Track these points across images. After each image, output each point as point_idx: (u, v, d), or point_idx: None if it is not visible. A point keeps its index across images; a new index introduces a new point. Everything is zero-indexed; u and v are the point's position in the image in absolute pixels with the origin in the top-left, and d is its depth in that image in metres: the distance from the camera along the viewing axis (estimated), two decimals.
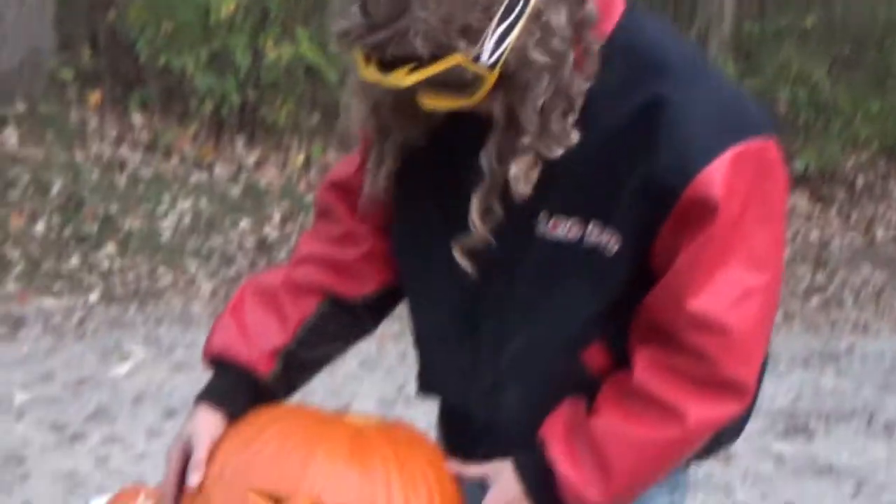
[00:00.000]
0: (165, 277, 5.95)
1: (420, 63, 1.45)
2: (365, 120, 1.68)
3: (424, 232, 1.76)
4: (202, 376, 3.66)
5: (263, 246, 6.31)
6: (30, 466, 4.07)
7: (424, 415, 4.26)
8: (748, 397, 1.63)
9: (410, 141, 1.68)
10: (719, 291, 1.57)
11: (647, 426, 1.62)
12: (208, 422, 1.77)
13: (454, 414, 1.93)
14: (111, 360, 5.06)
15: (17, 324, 5.36)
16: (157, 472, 4.03)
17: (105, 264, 5.99)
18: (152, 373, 4.95)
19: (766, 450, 4.76)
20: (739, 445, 1.72)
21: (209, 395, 1.80)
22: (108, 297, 5.72)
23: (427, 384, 1.91)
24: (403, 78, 1.47)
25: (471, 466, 1.76)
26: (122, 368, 4.97)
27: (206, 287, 5.93)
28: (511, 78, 1.50)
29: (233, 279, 6.01)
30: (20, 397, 4.59)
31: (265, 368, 1.81)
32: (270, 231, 6.44)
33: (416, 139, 1.68)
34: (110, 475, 4.03)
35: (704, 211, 1.53)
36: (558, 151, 1.54)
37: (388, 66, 1.47)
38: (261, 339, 1.80)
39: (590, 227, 1.60)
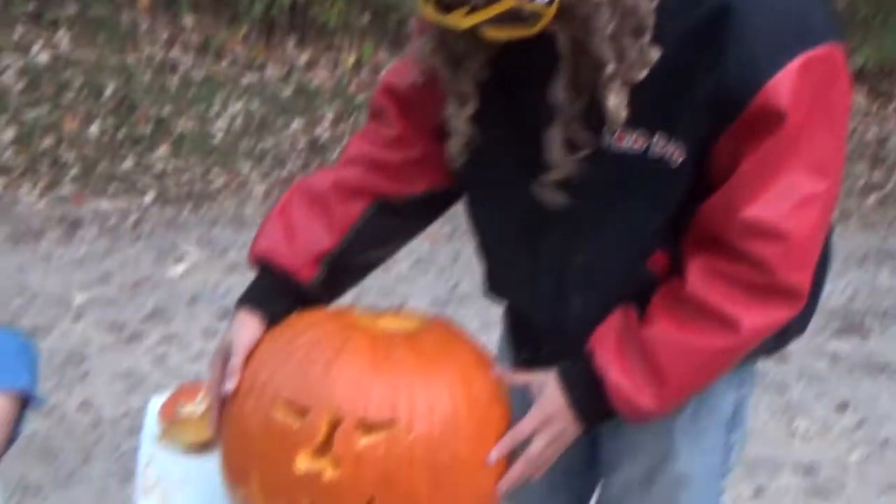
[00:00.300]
0: (218, 179, 5.97)
1: (476, 6, 1.45)
2: (434, 52, 1.67)
3: (490, 147, 1.75)
4: None
5: (315, 147, 6.29)
6: (89, 366, 4.14)
7: (477, 314, 4.29)
8: (801, 302, 1.64)
9: (481, 74, 1.67)
10: (779, 198, 1.56)
11: (701, 334, 1.63)
12: (247, 327, 1.79)
13: (519, 315, 1.94)
14: (166, 261, 5.11)
15: (73, 226, 5.41)
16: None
17: (159, 166, 6.01)
18: (207, 273, 4.99)
19: (820, 349, 4.74)
20: (794, 344, 1.71)
21: (250, 299, 1.83)
22: (162, 199, 5.75)
23: (492, 288, 1.93)
24: (461, 20, 1.46)
25: (516, 374, 1.76)
26: (177, 269, 5.02)
27: (258, 189, 5.94)
28: (571, 11, 1.48)
29: (285, 180, 6.01)
30: (79, 298, 4.66)
31: (308, 274, 1.83)
32: (322, 132, 6.42)
33: (485, 69, 1.66)
34: (168, 374, 4.09)
35: (770, 120, 1.52)
36: (643, 74, 1.52)
37: (445, 7, 1.47)
38: (306, 244, 1.83)
39: (655, 138, 1.59)
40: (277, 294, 1.84)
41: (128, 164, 6.01)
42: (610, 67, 1.51)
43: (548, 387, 1.72)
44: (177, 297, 4.75)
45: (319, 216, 1.84)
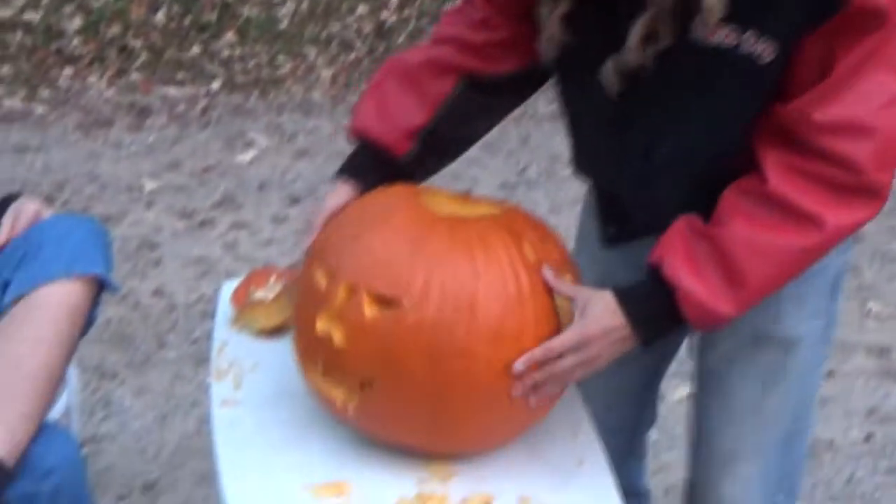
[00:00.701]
0: (285, 65, 5.95)
1: None
2: None
3: (580, 41, 1.73)
4: (324, 163, 3.70)
5: (381, 31, 6.24)
6: (162, 252, 4.19)
7: (546, 197, 4.28)
8: (883, 201, 1.62)
9: None
10: (869, 96, 1.55)
11: (784, 234, 1.61)
12: (337, 193, 1.92)
13: (605, 192, 1.93)
14: (235, 147, 5.13)
15: (142, 113, 5.44)
16: (283, 257, 4.18)
17: (225, 52, 6.01)
18: (275, 160, 5.01)
19: (894, 230, 4.67)
20: (869, 224, 1.69)
21: (346, 169, 1.95)
22: (229, 86, 5.75)
23: (579, 167, 1.94)
24: None
25: (565, 284, 1.74)
26: (246, 156, 5.04)
27: (325, 74, 5.92)
28: None
29: (352, 64, 5.99)
30: (149, 185, 4.70)
31: (402, 149, 1.91)
32: (388, 15, 6.36)
33: None
34: (238, 260, 4.14)
35: (869, 20, 1.50)
36: None
37: None
38: (399, 119, 1.90)
39: (746, 34, 1.56)
40: (372, 167, 1.93)
41: (195, 50, 6.01)
42: None
43: (594, 306, 1.69)
44: (246, 184, 4.78)
45: (412, 92, 1.90)
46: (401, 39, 6.33)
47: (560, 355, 1.68)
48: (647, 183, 1.79)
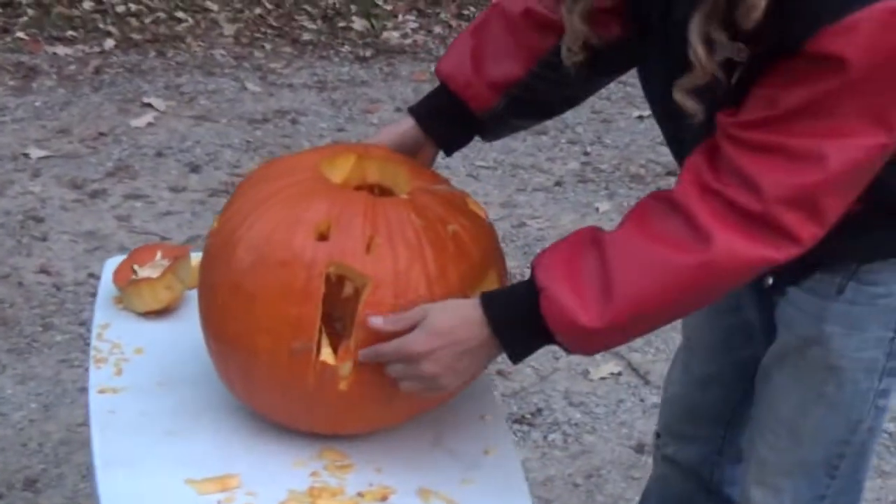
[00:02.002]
0: (185, 21, 5.89)
1: None
2: None
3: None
4: (226, 128, 3.68)
5: None
6: (48, 226, 4.14)
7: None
8: (796, 246, 1.53)
9: None
10: (804, 130, 1.48)
11: (666, 245, 1.55)
12: (397, 126, 1.97)
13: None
14: (130, 111, 5.07)
15: (28, 74, 5.36)
16: (181, 229, 4.15)
17: (120, 8, 5.93)
18: (174, 124, 4.96)
19: None
20: None
21: (416, 109, 1.98)
22: (124, 44, 5.68)
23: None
24: None
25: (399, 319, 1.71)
26: (142, 120, 4.98)
27: (228, 30, 5.87)
28: None
29: (257, 20, 5.95)
30: (36, 153, 4.63)
31: (483, 102, 1.92)
32: None
33: None
34: (133, 233, 4.09)
35: (828, 65, 1.43)
36: None
37: None
38: (491, 68, 1.90)
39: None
40: (444, 114, 1.95)
41: (86, 5, 5.93)
42: None
43: (439, 315, 1.66)
44: (141, 151, 4.73)
45: (511, 42, 1.89)
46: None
47: (411, 358, 1.66)
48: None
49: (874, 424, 1.84)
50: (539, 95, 1.92)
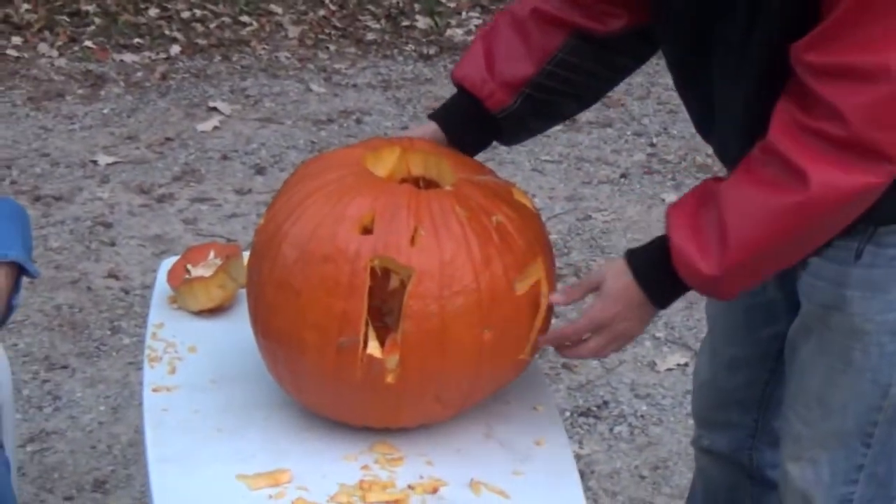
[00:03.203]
0: (249, 24, 5.93)
1: None
2: None
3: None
4: (291, 129, 3.70)
5: None
6: (117, 231, 4.18)
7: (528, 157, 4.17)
8: (886, 167, 1.54)
9: None
10: (869, 41, 1.49)
11: (768, 190, 1.59)
12: (422, 128, 2.01)
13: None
14: (196, 116, 5.11)
15: (97, 82, 5.42)
16: (246, 231, 4.17)
17: (185, 14, 5.98)
18: (239, 127, 4.99)
19: None
20: None
21: (437, 115, 2.02)
22: (190, 49, 5.73)
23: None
24: None
25: (575, 289, 1.82)
26: (208, 124, 5.02)
27: (292, 32, 5.90)
28: None
29: (321, 21, 5.97)
30: (104, 160, 4.68)
31: (498, 102, 1.96)
32: None
33: None
34: (199, 236, 4.12)
35: None
36: None
37: None
38: (504, 69, 1.95)
39: None
40: (463, 116, 1.99)
41: (152, 12, 5.99)
42: None
43: (608, 280, 1.75)
44: (207, 155, 4.77)
45: (521, 43, 1.94)
46: None
47: (581, 338, 1.77)
48: (711, 130, 1.83)
49: None
50: (553, 94, 1.96)
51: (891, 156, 1.54)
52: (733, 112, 1.71)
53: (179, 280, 2.14)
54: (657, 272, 1.71)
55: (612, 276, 1.74)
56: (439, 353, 1.71)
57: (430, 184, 1.90)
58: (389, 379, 1.71)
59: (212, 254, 2.21)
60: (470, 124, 1.99)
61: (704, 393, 2.20)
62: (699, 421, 2.25)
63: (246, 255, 2.19)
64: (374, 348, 1.71)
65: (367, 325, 1.71)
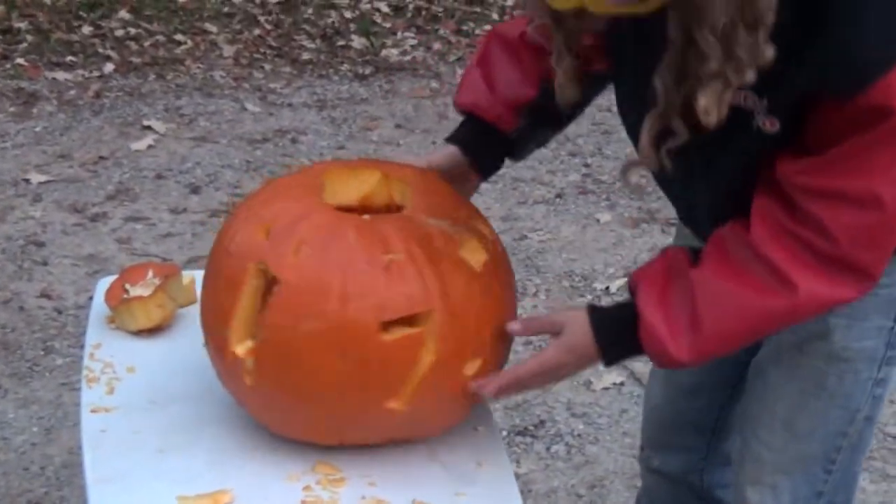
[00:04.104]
0: (184, 43, 5.89)
1: None
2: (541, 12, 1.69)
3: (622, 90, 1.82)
4: (226, 148, 3.68)
5: (287, 3, 6.22)
6: (50, 250, 4.13)
7: None
8: (871, 283, 1.62)
9: (586, 30, 1.71)
10: (861, 170, 1.54)
11: (751, 290, 1.62)
12: (440, 153, 2.03)
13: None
14: (130, 134, 5.07)
15: (29, 100, 5.36)
16: (182, 250, 4.14)
17: (119, 32, 5.94)
18: (174, 146, 4.95)
19: None
20: None
21: (454, 139, 2.04)
22: (124, 67, 5.68)
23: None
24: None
25: (538, 320, 1.87)
26: (142, 143, 4.97)
27: (227, 51, 5.87)
28: None
29: (256, 41, 5.95)
30: (36, 178, 4.63)
31: (508, 124, 1.99)
32: None
33: (589, 29, 1.70)
34: (133, 256, 4.08)
35: (877, 115, 1.49)
36: (750, 76, 1.47)
37: None
38: (506, 93, 1.98)
39: (762, 101, 1.56)
40: (480, 139, 2.02)
41: (85, 30, 5.94)
42: (712, 64, 1.46)
43: (570, 332, 1.76)
44: (142, 174, 4.72)
45: (516, 66, 1.98)
46: (309, 12, 6.30)
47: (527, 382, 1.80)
48: (688, 206, 1.87)
49: (871, 414, 1.86)
50: (553, 107, 1.95)
51: (874, 275, 1.61)
52: (702, 203, 1.77)
53: (117, 299, 2.12)
54: (619, 337, 1.73)
55: (573, 327, 1.76)
56: (295, 368, 1.71)
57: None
58: (247, 381, 1.74)
59: (150, 273, 2.19)
60: (487, 147, 2.03)
61: (659, 418, 2.22)
62: (649, 442, 2.26)
63: (185, 274, 2.18)
64: (238, 347, 1.75)
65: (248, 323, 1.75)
